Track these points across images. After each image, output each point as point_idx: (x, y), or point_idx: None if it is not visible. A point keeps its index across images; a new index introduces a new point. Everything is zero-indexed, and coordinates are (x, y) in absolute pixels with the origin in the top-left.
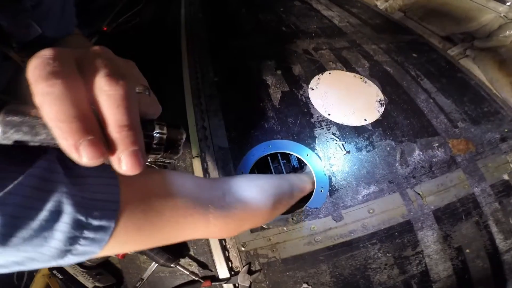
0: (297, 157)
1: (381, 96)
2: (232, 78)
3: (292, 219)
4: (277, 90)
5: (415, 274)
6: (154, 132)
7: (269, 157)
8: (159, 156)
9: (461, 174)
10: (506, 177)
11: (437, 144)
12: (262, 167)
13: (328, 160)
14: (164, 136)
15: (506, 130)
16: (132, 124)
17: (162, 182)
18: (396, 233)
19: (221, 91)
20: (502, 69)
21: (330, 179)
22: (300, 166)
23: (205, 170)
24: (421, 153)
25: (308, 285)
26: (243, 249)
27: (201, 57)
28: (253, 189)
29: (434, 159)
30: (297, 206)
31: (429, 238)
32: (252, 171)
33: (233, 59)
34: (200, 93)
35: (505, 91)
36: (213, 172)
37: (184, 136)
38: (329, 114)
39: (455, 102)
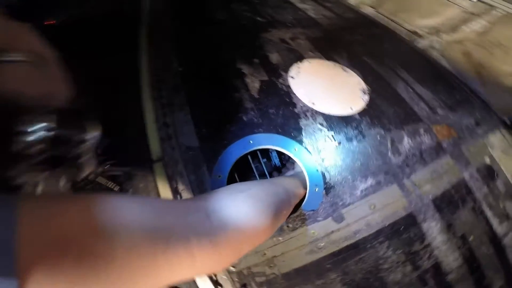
0: (278, 155)
1: (363, 85)
2: (201, 68)
3: (288, 226)
4: (255, 79)
5: (428, 269)
6: (31, 127)
7: (249, 156)
8: (42, 176)
9: (449, 160)
10: (487, 160)
11: (422, 130)
12: (241, 168)
13: (319, 154)
14: (50, 133)
15: (479, 116)
16: None
17: (90, 215)
18: (402, 228)
19: (187, 82)
20: (468, 60)
21: (323, 175)
22: (282, 165)
23: (171, 178)
24: (409, 140)
25: None
26: (233, 269)
27: (163, 45)
28: (246, 202)
29: (422, 146)
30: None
31: (433, 229)
32: (231, 174)
33: (202, 48)
34: (161, 84)
35: (473, 81)
36: (182, 179)
37: (92, 133)
38: (313, 104)
39: (431, 90)
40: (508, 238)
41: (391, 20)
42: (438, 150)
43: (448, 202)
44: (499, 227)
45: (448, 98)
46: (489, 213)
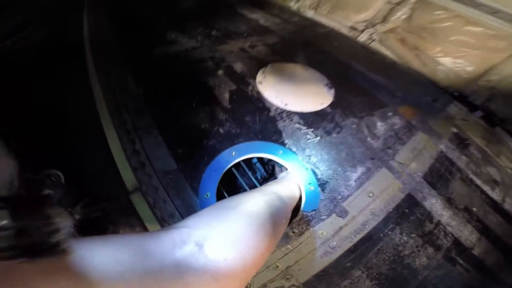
0: (262, 165)
1: (326, 80)
2: (162, 87)
3: (294, 232)
4: (223, 91)
5: (450, 247)
6: None
7: (233, 169)
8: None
9: (422, 135)
10: (454, 129)
11: (391, 114)
12: (228, 184)
13: (304, 152)
14: (7, 233)
15: (432, 93)
16: None
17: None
18: (406, 210)
19: (150, 102)
20: (405, 46)
21: (314, 172)
22: (268, 175)
23: (153, 206)
24: (382, 123)
25: None
26: None
27: (115, 69)
28: (239, 220)
29: (395, 127)
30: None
31: (436, 206)
32: (219, 191)
33: (161, 67)
34: (121, 109)
35: (414, 64)
36: (166, 206)
37: (63, 222)
38: (286, 105)
39: (384, 77)
40: (507, 203)
41: (331, 19)
42: (410, 128)
43: (438, 177)
44: (494, 194)
45: (401, 81)
46: (478, 181)
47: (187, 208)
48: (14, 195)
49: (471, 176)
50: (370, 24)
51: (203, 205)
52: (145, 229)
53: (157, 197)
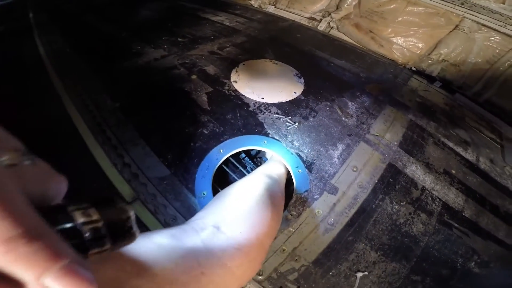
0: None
1: (295, 70)
2: (139, 98)
3: (291, 215)
4: (200, 94)
5: (441, 211)
6: (77, 222)
7: (224, 166)
8: (106, 251)
9: (391, 108)
10: (418, 99)
11: (359, 93)
12: (221, 181)
13: (286, 139)
14: (100, 224)
15: (392, 71)
16: (29, 228)
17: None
18: (391, 180)
19: (130, 115)
20: (360, 30)
21: (299, 156)
22: (257, 167)
23: (155, 212)
24: (353, 103)
25: (362, 271)
26: (260, 277)
27: (86, 87)
28: (241, 201)
29: (365, 104)
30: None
31: (418, 172)
32: (214, 188)
33: (133, 79)
34: (102, 126)
35: (372, 45)
36: (167, 210)
37: (131, 211)
38: (262, 98)
39: (347, 61)
40: (481, 162)
41: (291, 12)
42: (379, 103)
43: (412, 144)
44: (467, 154)
45: (363, 63)
46: (450, 143)
47: (187, 209)
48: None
49: (443, 139)
50: (326, 13)
51: (202, 204)
52: None
53: (157, 203)
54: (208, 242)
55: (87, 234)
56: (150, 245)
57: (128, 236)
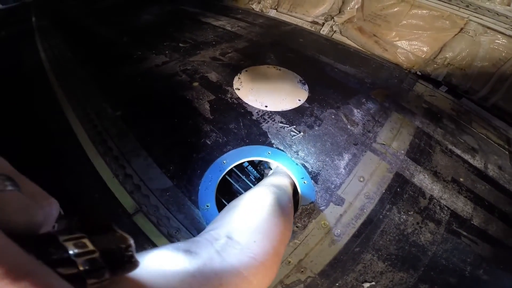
0: (253, 167)
1: (298, 77)
2: (140, 106)
3: (297, 226)
4: (202, 102)
5: (450, 220)
6: (70, 253)
7: (227, 176)
8: (105, 281)
9: (397, 114)
10: (424, 105)
11: (364, 99)
12: (225, 192)
13: (291, 149)
14: (96, 255)
15: (397, 75)
16: (13, 266)
17: None
18: (398, 189)
19: (131, 125)
20: (363, 34)
21: (304, 166)
22: (261, 175)
23: (158, 224)
24: (358, 110)
25: (369, 282)
26: None
27: (87, 95)
28: (252, 211)
29: (371, 111)
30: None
31: (425, 181)
32: (218, 199)
33: (134, 86)
34: (103, 136)
35: (376, 49)
36: (170, 222)
37: (131, 239)
38: (266, 106)
39: (351, 66)
40: (489, 169)
41: (293, 16)
42: (384, 110)
43: (420, 152)
44: (475, 162)
45: (367, 68)
46: (458, 151)
47: (191, 221)
48: (83, 218)
49: (450, 146)
50: (329, 16)
51: (206, 216)
52: (154, 246)
53: (159, 215)
54: (223, 252)
55: (82, 266)
56: (166, 261)
57: (128, 264)
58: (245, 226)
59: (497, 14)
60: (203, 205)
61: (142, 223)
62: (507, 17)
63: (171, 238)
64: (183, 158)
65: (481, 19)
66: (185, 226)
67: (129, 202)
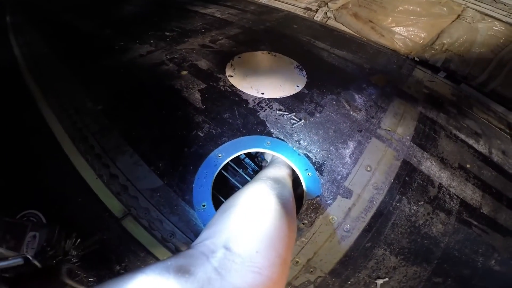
0: (251, 160)
1: (295, 62)
2: (124, 98)
3: (303, 223)
4: (192, 91)
5: (460, 209)
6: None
7: (223, 171)
8: None
9: (399, 100)
10: (425, 90)
11: (364, 85)
12: (221, 188)
13: (292, 138)
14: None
15: (396, 61)
16: None
17: None
18: (407, 178)
19: (115, 119)
20: (359, 20)
21: (308, 157)
22: (259, 167)
23: (150, 228)
24: (360, 95)
25: (382, 278)
26: None
27: (65, 89)
28: (251, 213)
29: (373, 96)
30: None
31: (433, 168)
32: (215, 197)
33: (116, 79)
34: (84, 132)
35: (372, 35)
36: (163, 225)
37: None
38: (262, 94)
39: (348, 52)
40: (494, 154)
41: (285, 2)
42: (386, 95)
43: (425, 137)
44: (479, 146)
45: (365, 54)
46: (462, 135)
47: (187, 223)
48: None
49: (454, 131)
50: (323, 2)
51: (202, 217)
52: (148, 253)
53: (151, 218)
54: (222, 269)
55: None
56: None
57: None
58: (245, 233)
59: (495, 1)
60: (199, 205)
61: (132, 228)
62: (505, 5)
63: (166, 242)
64: (174, 153)
65: (479, 6)
66: (180, 229)
67: (116, 205)
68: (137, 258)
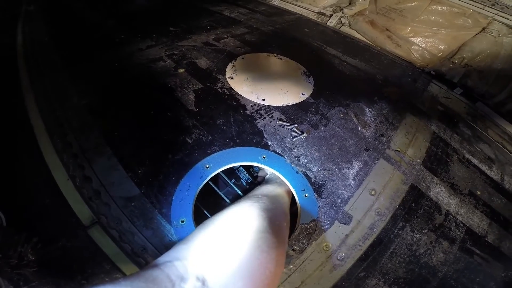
0: (245, 169)
1: (303, 68)
2: (111, 95)
3: (294, 250)
4: (186, 91)
5: (464, 238)
6: None
7: (210, 183)
8: None
9: (412, 117)
10: (440, 107)
11: (376, 97)
12: (207, 199)
13: (291, 153)
14: None
15: (411, 74)
16: None
17: None
18: (413, 204)
19: (98, 116)
20: (375, 28)
21: (306, 175)
22: (254, 178)
23: (120, 240)
24: (370, 109)
25: None
26: None
27: (54, 81)
28: (238, 240)
29: (384, 111)
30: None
31: (442, 195)
32: (199, 210)
33: (109, 72)
34: (63, 128)
35: (388, 45)
36: (135, 239)
37: None
38: (263, 100)
39: (361, 60)
40: (506, 181)
41: (298, 6)
42: (399, 111)
43: (437, 161)
44: (492, 173)
45: (378, 64)
46: (475, 161)
47: (161, 239)
48: None
49: (467, 156)
50: (338, 8)
51: (180, 234)
52: (114, 266)
53: (122, 229)
54: None
55: None
56: None
57: None
58: (224, 265)
59: None
60: (177, 220)
61: (99, 238)
62: None
63: (136, 257)
64: (156, 159)
65: (507, 19)
66: (153, 245)
67: (84, 212)
68: (102, 270)
